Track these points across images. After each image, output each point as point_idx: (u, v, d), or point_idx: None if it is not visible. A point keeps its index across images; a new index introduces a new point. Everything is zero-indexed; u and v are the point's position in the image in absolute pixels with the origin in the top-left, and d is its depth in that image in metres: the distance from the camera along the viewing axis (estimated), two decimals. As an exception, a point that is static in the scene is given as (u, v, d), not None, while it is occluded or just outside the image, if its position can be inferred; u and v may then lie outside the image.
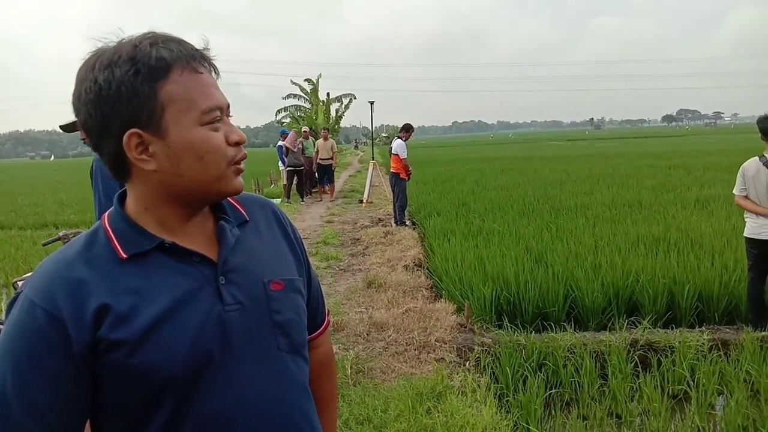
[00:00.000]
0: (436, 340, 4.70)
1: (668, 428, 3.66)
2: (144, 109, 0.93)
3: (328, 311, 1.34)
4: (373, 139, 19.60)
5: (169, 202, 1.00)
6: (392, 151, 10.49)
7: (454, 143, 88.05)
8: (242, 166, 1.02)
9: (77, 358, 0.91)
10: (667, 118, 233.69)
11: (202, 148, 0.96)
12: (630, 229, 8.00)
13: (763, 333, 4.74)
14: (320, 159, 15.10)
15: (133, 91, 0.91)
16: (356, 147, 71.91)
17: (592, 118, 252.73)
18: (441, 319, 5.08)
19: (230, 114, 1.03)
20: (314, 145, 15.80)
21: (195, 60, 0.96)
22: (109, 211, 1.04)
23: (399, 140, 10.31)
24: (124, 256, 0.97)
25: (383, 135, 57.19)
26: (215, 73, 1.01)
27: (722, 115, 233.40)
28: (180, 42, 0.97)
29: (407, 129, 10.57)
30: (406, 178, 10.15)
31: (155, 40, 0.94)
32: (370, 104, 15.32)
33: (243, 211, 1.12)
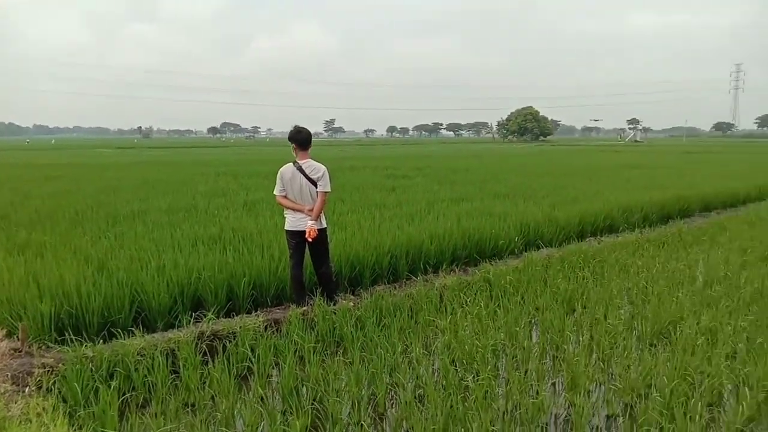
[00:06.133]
0: (-18, 372, 4.06)
1: (236, 403, 4.10)
2: None
3: None
4: None
5: None
6: None
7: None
8: None
9: None
10: (213, 130, 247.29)
11: None
12: (189, 231, 8.41)
13: (304, 308, 5.74)
14: None
15: None
16: None
17: (141, 127, 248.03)
18: (-13, 347, 4.40)
19: None
20: None
21: None
22: None
23: None
24: None
25: None
26: None
27: (259, 129, 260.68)
28: None
29: None
30: None
31: None
32: None
33: None
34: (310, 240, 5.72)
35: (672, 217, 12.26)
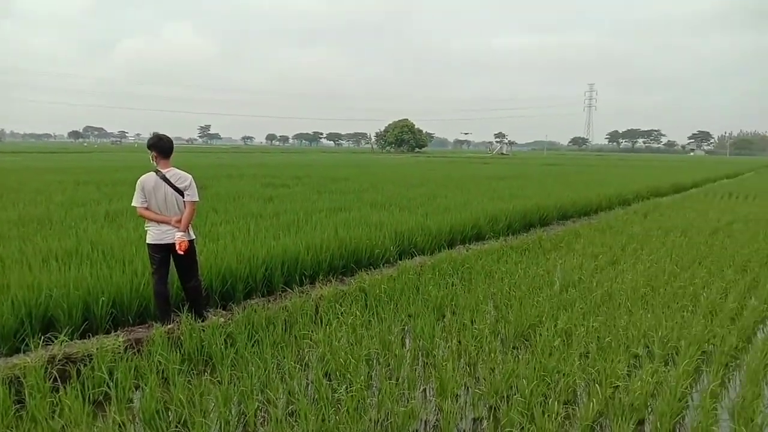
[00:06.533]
0: None
1: (91, 432, 3.77)
2: None
3: None
4: None
5: None
6: None
7: None
8: None
9: None
10: (74, 134, 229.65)
11: None
12: (41, 245, 7.69)
13: (170, 326, 5.43)
14: None
15: None
16: None
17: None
18: None
19: None
20: None
21: None
22: None
23: None
24: None
25: None
26: None
27: (127, 134, 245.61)
28: None
29: None
30: None
31: None
32: None
33: None
34: (181, 252, 5.44)
35: (533, 225, 13.12)
